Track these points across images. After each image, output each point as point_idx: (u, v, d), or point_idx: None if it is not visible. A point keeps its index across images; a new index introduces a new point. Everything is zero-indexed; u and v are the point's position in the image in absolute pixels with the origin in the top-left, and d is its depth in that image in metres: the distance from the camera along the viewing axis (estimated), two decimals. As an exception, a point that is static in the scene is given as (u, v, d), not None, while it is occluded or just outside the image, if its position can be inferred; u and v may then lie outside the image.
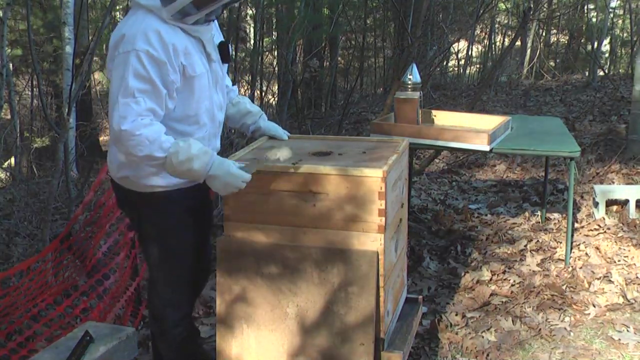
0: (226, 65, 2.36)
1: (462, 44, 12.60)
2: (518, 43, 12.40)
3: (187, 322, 2.44)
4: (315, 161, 2.23)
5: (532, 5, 8.35)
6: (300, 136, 2.66)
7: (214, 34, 2.25)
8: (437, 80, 11.30)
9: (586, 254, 3.85)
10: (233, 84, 2.56)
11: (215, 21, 2.28)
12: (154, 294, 2.39)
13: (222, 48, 2.28)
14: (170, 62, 2.01)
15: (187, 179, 2.10)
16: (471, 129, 3.66)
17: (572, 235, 3.92)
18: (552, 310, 3.23)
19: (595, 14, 13.23)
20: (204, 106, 2.19)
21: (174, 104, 2.10)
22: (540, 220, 4.48)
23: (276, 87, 8.30)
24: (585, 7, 13.26)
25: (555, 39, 14.48)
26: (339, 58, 10.64)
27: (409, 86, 3.62)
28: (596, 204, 4.50)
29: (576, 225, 4.35)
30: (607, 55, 13.50)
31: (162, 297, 2.35)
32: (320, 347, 2.15)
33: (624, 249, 3.91)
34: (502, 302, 3.34)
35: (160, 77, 2.00)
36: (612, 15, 12.85)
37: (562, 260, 3.77)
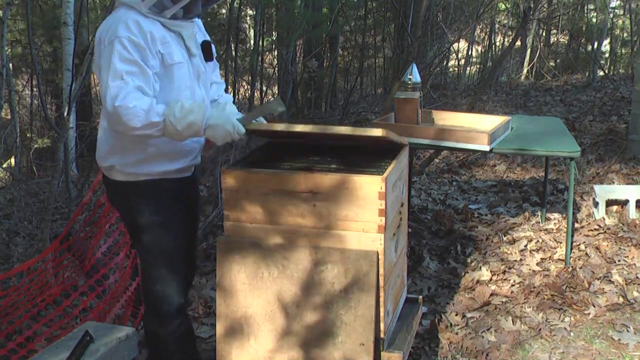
0: (211, 63, 2.39)
1: (462, 44, 12.58)
2: (518, 43, 12.39)
3: (183, 315, 2.44)
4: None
5: (532, 5, 8.34)
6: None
7: (196, 32, 2.31)
8: (437, 80, 11.29)
9: (586, 254, 3.85)
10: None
11: (200, 21, 2.38)
12: (148, 287, 2.40)
13: (205, 46, 2.33)
14: (149, 48, 2.10)
15: (189, 135, 2.13)
16: (471, 129, 3.66)
17: (572, 235, 3.92)
18: (552, 310, 3.23)
19: (595, 14, 13.23)
20: (184, 96, 2.22)
21: (155, 89, 2.16)
22: (540, 220, 4.48)
23: (276, 87, 8.30)
24: (585, 7, 13.25)
25: (555, 39, 14.47)
26: (339, 58, 10.64)
27: (409, 86, 3.62)
28: (596, 204, 4.50)
29: (576, 225, 4.35)
30: (607, 55, 13.49)
31: (156, 289, 2.36)
32: (320, 347, 2.15)
33: (624, 249, 3.91)
34: (502, 302, 3.34)
35: (143, 61, 2.09)
36: (612, 15, 12.84)
37: (562, 260, 3.77)
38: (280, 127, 2.27)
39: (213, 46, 2.40)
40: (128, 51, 2.05)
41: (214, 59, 2.43)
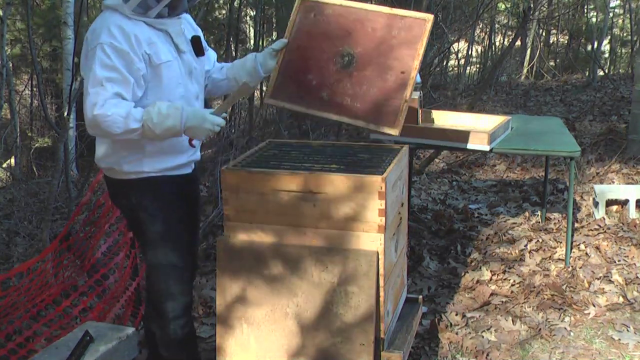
0: (203, 58, 2.40)
1: (462, 44, 12.58)
2: (518, 43, 12.39)
3: (188, 314, 2.44)
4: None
5: (532, 5, 8.34)
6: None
7: (184, 28, 2.31)
8: (437, 80, 11.28)
9: (586, 254, 3.85)
10: None
11: (189, 17, 2.39)
12: (152, 286, 2.40)
13: (195, 42, 2.34)
14: (133, 52, 2.11)
15: (169, 136, 2.17)
16: (471, 129, 3.66)
17: (572, 235, 3.92)
18: (552, 310, 3.23)
19: (595, 13, 13.22)
20: (178, 93, 2.24)
21: (143, 92, 2.17)
22: (540, 220, 4.48)
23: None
24: (585, 7, 13.25)
25: (555, 39, 14.47)
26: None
27: (409, 86, 3.61)
28: (596, 204, 4.50)
29: (576, 225, 4.35)
30: (607, 55, 13.49)
31: (160, 287, 2.36)
32: (320, 347, 2.15)
33: (624, 249, 3.91)
34: (502, 302, 3.34)
35: (125, 67, 2.10)
36: (612, 15, 12.84)
37: (562, 260, 3.77)
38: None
39: (204, 40, 2.41)
40: (109, 57, 2.08)
41: (206, 52, 2.43)
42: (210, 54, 2.51)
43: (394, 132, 2.32)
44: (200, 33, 2.41)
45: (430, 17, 2.34)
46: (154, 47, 2.17)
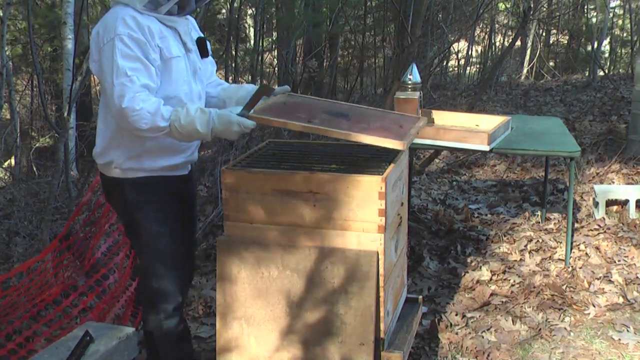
0: (207, 60, 2.41)
1: (462, 44, 12.58)
2: (518, 43, 12.39)
3: (180, 314, 2.44)
4: (329, 124, 2.19)
5: (532, 5, 8.34)
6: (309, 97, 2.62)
7: (191, 29, 2.34)
8: (437, 80, 11.28)
9: (586, 254, 3.85)
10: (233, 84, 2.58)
11: (194, 20, 2.41)
12: (145, 285, 2.40)
13: (200, 43, 2.36)
14: (148, 42, 2.13)
15: (196, 139, 2.21)
16: (471, 129, 3.65)
17: (572, 235, 3.92)
18: (552, 310, 3.23)
19: (595, 14, 13.22)
20: (182, 90, 2.25)
21: (158, 83, 2.18)
22: (540, 220, 4.48)
23: (276, 86, 8.28)
24: (585, 7, 13.25)
25: (555, 39, 14.47)
26: (339, 58, 10.62)
27: (409, 86, 3.62)
28: (596, 204, 4.50)
29: (576, 225, 4.35)
30: (607, 55, 13.49)
31: (152, 287, 2.36)
32: (320, 347, 2.15)
33: (624, 249, 3.91)
34: (502, 302, 3.34)
35: (145, 56, 2.11)
36: (612, 15, 12.84)
37: (562, 260, 3.77)
38: (280, 123, 2.24)
39: (208, 43, 2.42)
40: (129, 47, 2.08)
41: (210, 56, 2.44)
42: (210, 65, 2.50)
43: (401, 145, 2.11)
44: (203, 35, 2.42)
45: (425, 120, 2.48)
46: (165, 41, 2.19)
